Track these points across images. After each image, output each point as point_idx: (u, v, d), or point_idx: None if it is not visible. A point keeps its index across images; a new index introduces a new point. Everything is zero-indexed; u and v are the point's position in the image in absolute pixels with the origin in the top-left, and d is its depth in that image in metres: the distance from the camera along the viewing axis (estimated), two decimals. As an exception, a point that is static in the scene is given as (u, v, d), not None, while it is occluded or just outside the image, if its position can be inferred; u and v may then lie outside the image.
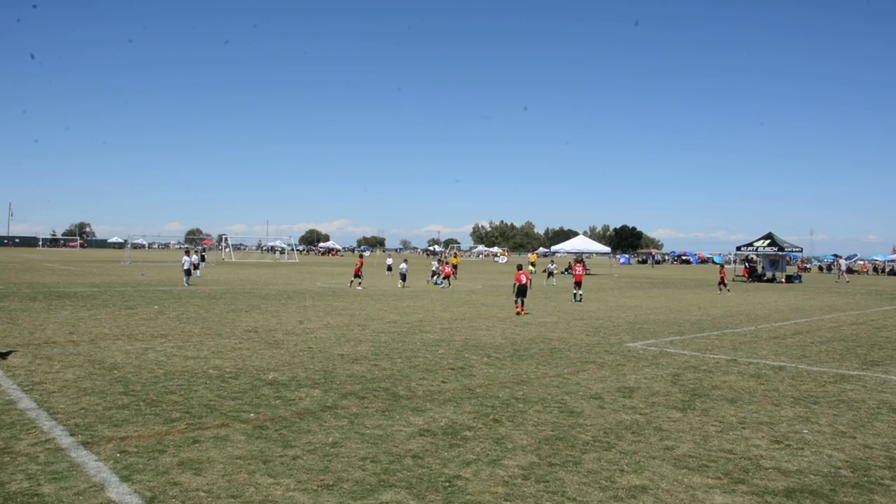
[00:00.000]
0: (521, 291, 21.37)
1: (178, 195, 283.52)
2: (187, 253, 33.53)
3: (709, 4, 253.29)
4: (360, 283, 31.62)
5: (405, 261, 35.42)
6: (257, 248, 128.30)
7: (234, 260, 77.58)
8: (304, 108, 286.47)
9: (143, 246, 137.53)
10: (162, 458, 6.44)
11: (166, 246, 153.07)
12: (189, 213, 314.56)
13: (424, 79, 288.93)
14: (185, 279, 31.60)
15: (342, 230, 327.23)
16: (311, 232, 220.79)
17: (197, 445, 6.86)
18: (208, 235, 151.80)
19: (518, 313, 21.07)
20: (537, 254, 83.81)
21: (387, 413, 8.42)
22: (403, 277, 32.59)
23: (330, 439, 7.21)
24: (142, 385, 9.64)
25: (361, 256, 34.10)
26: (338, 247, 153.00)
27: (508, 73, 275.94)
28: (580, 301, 27.33)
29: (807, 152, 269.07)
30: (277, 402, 8.89)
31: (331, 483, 5.92)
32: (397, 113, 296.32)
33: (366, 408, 8.67)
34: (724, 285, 37.39)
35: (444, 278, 35.63)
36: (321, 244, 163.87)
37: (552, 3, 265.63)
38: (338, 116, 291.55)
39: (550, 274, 42.98)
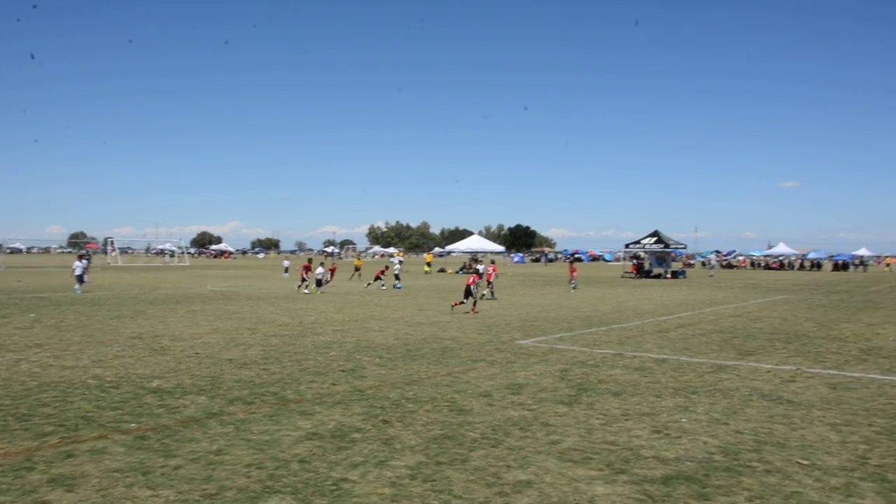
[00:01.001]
0: (467, 292, 22.31)
1: (61, 196, 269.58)
2: (80, 258, 32.10)
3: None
4: (307, 286, 31.02)
5: (322, 265, 34.20)
6: (146, 252, 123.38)
7: (120, 264, 74.37)
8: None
9: (20, 251, 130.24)
10: (30, 475, 6.09)
11: (47, 251, 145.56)
12: (72, 216, 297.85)
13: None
14: (76, 285, 30.08)
15: (236, 232, 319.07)
16: (203, 234, 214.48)
17: (71, 460, 6.54)
18: (93, 239, 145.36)
19: (454, 306, 22.66)
20: (433, 254, 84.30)
21: (274, 418, 8.26)
22: (319, 283, 31.65)
23: (214, 447, 7.01)
24: (11, 399, 9.11)
25: (310, 260, 33.17)
26: (230, 249, 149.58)
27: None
28: (494, 299, 28.08)
29: (691, 148, 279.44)
30: (160, 410, 8.59)
31: (213, 492, 5.75)
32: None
33: (253, 413, 8.49)
34: (572, 283, 36.91)
35: (376, 279, 35.37)
36: (213, 246, 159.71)
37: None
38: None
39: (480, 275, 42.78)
